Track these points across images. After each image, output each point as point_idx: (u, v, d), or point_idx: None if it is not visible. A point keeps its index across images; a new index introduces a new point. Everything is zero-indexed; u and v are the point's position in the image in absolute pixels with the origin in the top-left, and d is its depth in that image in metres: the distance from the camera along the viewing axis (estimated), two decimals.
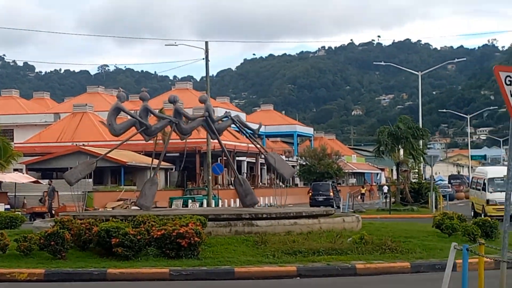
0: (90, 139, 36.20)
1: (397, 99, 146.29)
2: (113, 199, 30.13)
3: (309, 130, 65.82)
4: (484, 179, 22.29)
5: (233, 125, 17.38)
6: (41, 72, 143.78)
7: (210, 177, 27.75)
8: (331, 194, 34.28)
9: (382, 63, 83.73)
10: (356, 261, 9.27)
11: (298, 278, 8.76)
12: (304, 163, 49.29)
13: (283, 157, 30.96)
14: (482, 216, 17.72)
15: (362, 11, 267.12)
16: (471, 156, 76.65)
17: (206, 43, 28.80)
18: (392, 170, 58.85)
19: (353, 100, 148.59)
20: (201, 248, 9.77)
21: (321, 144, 54.98)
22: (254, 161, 45.39)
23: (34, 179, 28.83)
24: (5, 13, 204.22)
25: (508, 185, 5.27)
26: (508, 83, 5.28)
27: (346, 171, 56.34)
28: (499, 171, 22.29)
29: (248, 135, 17.90)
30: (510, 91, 5.26)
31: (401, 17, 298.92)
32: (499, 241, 10.43)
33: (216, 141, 18.16)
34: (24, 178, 28.36)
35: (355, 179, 66.08)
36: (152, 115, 14.58)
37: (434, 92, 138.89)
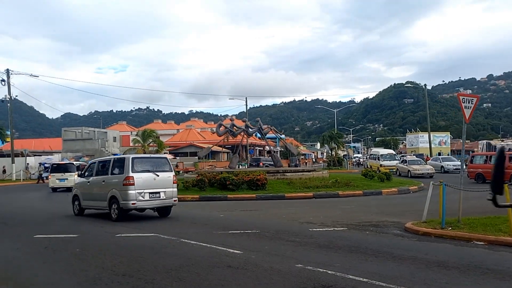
0: (195, 139, 66.16)
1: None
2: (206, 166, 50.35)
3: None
4: (378, 155, 38.18)
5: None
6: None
7: (249, 156, 42.33)
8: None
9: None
10: (337, 190, 20.69)
11: (314, 198, 20.07)
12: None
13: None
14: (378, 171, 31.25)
15: None
16: None
17: (246, 98, 52.87)
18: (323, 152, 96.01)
19: None
20: (266, 186, 20.81)
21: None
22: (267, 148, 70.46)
23: (173, 157, 51.85)
24: None
25: (461, 162, 17.20)
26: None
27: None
28: (385, 151, 39.43)
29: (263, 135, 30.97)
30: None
31: None
32: (394, 181, 23.80)
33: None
34: (170, 156, 48.40)
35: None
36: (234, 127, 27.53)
37: None
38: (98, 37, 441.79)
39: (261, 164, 45.63)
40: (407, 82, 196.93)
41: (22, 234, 10.63)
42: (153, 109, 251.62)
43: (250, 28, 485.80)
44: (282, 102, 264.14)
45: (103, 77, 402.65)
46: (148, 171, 12.53)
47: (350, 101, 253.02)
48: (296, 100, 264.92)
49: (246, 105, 54.60)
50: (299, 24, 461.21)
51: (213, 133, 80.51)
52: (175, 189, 13.09)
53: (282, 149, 73.64)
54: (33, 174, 39.19)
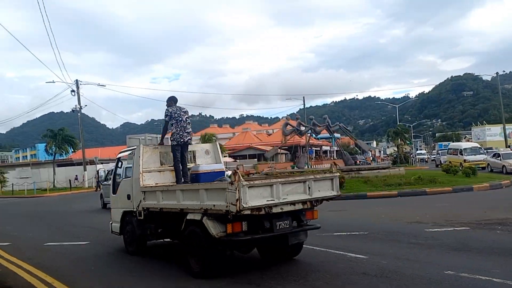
0: (251, 142, 67.48)
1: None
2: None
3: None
4: (460, 149, 34.04)
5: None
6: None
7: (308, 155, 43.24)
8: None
9: None
10: (423, 187, 19.15)
11: (399, 196, 18.71)
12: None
13: None
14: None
15: None
16: None
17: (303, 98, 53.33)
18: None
19: None
20: (344, 185, 19.73)
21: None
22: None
23: (233, 160, 53.88)
24: None
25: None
26: None
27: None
28: (468, 144, 37.31)
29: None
30: None
31: None
32: (480, 176, 22.00)
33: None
34: (229, 159, 52.32)
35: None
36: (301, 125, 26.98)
37: None
38: (150, 48, 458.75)
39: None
40: (465, 74, 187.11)
41: None
42: (206, 114, 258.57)
43: (297, 29, 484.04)
44: (333, 101, 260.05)
45: (158, 87, 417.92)
46: None
47: (404, 96, 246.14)
48: (347, 98, 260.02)
49: (304, 104, 53.65)
50: (347, 21, 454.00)
51: (269, 135, 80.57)
52: None
53: (338, 149, 72.33)
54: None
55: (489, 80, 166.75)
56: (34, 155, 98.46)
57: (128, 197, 8.43)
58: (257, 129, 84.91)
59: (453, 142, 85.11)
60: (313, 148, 70.80)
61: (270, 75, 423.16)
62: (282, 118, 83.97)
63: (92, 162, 42.66)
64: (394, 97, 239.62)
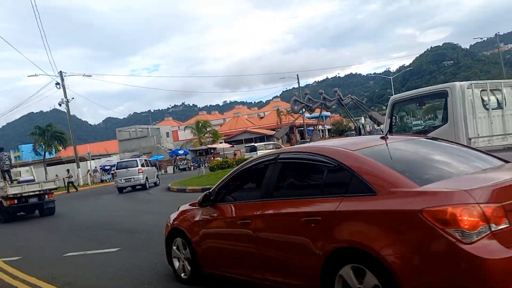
0: (244, 126, 65.83)
1: None
2: None
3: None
4: None
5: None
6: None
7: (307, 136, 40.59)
8: None
9: None
10: None
11: None
12: None
13: None
14: None
15: None
16: None
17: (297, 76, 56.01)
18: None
19: None
20: None
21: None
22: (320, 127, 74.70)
23: (230, 145, 54.22)
24: None
25: None
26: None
27: None
28: None
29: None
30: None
31: None
32: None
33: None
34: (226, 145, 53.94)
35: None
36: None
37: None
38: (127, 40, 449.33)
39: None
40: (444, 44, 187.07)
41: None
42: (189, 104, 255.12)
43: (275, 11, 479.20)
44: (315, 81, 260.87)
45: (138, 79, 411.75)
46: None
47: (385, 71, 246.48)
48: (329, 77, 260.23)
49: (298, 82, 52.79)
50: (323, 0, 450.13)
51: (261, 118, 78.91)
52: None
53: (330, 127, 70.49)
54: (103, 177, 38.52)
55: (468, 48, 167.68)
56: (18, 157, 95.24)
57: None
58: (248, 113, 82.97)
59: None
60: (308, 128, 69.57)
61: (251, 59, 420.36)
62: (266, 102, 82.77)
63: (83, 159, 40.28)
64: (375, 73, 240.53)
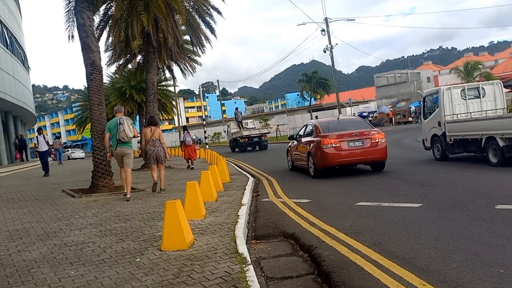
0: None
1: None
2: None
3: None
4: None
5: None
6: None
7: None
8: None
9: None
10: None
11: None
12: None
13: None
14: None
15: None
16: None
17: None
18: None
19: None
20: None
21: None
22: None
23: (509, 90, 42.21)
24: None
25: None
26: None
27: None
28: None
29: None
30: None
31: None
32: None
33: None
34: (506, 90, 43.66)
35: None
36: None
37: None
38: None
39: None
40: None
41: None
42: (447, 47, 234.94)
43: None
44: None
45: (392, 24, 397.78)
46: None
47: None
48: None
49: None
50: None
51: None
52: None
53: None
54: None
55: None
56: (284, 104, 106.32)
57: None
58: None
59: None
60: None
61: None
62: None
63: (342, 106, 40.72)
64: None
